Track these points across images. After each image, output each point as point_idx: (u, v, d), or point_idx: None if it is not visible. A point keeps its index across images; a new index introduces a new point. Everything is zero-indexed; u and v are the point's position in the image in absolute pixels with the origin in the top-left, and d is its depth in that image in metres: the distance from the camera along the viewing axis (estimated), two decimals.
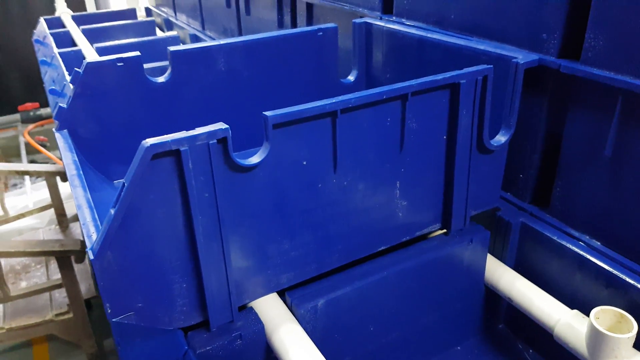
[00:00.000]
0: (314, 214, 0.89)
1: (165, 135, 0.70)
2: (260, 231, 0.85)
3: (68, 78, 2.05)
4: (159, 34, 3.06)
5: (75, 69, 1.11)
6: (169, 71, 1.21)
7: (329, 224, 0.92)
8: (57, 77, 2.26)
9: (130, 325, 0.83)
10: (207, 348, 0.82)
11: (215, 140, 0.73)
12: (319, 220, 0.90)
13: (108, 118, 1.17)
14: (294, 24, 1.93)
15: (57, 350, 3.34)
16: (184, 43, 2.69)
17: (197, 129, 0.73)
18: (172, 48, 1.20)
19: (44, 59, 2.45)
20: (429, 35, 1.21)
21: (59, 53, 2.39)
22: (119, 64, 1.13)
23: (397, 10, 1.43)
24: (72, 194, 0.86)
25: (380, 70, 1.42)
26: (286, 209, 0.86)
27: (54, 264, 3.12)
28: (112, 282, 0.72)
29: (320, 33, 1.36)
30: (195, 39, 2.67)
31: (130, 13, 3.36)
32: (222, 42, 1.25)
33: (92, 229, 0.76)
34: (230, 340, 0.84)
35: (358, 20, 1.41)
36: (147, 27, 3.04)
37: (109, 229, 0.69)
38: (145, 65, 1.28)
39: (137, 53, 1.16)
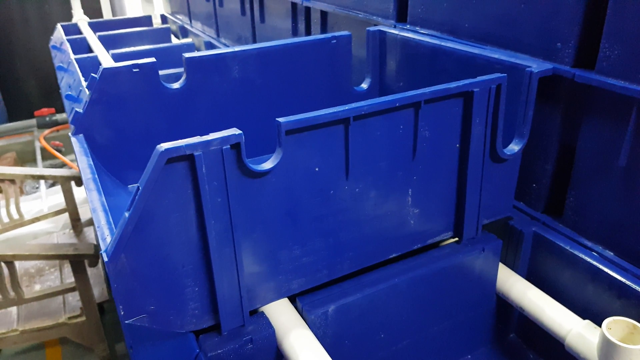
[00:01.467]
0: (326, 220, 0.90)
1: (180, 140, 0.71)
2: (272, 237, 0.86)
3: (84, 84, 2.09)
4: (174, 41, 3.10)
5: (92, 74, 1.14)
6: (183, 78, 1.23)
7: (341, 230, 0.92)
8: (73, 82, 2.30)
9: (143, 328, 0.83)
10: (218, 351, 0.83)
11: (228, 146, 0.74)
12: (330, 227, 0.91)
13: (123, 123, 1.19)
14: (308, 32, 1.95)
15: (69, 353, 3.37)
16: (199, 50, 2.73)
17: (210, 134, 0.74)
18: (186, 55, 1.22)
19: (61, 64, 2.50)
20: (442, 43, 1.22)
21: (76, 59, 2.44)
22: (134, 70, 1.15)
23: (411, 18, 1.44)
24: (87, 197, 0.88)
25: (393, 78, 1.42)
26: (298, 215, 0.87)
27: (67, 268, 3.17)
28: (125, 285, 0.73)
29: (334, 41, 1.37)
30: (210, 46, 2.71)
31: (146, 20, 3.42)
32: (237, 49, 1.27)
33: (107, 232, 0.78)
34: (241, 344, 0.84)
35: (372, 29, 1.42)
36: (163, 34, 3.09)
37: (123, 232, 0.70)
38: (160, 72, 1.30)
39: (153, 59, 1.18)
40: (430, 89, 0.90)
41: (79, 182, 3.29)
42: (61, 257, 2.57)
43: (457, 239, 1.07)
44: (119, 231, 0.70)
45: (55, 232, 3.57)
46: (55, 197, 4.14)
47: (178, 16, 3.37)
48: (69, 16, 5.58)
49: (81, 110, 1.13)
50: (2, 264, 2.49)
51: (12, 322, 2.71)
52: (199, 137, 0.73)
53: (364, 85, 1.46)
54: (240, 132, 0.75)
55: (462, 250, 1.04)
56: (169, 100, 1.22)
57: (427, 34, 1.36)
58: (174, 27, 3.20)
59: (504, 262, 1.12)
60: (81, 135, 1.13)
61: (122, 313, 0.75)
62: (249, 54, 1.28)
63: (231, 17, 2.59)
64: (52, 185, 4.32)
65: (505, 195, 1.08)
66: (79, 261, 2.63)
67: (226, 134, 0.74)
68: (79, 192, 3.48)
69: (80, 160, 1.02)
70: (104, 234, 0.76)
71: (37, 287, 3.05)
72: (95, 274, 3.08)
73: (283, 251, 0.88)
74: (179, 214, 0.75)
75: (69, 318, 2.76)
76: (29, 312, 2.81)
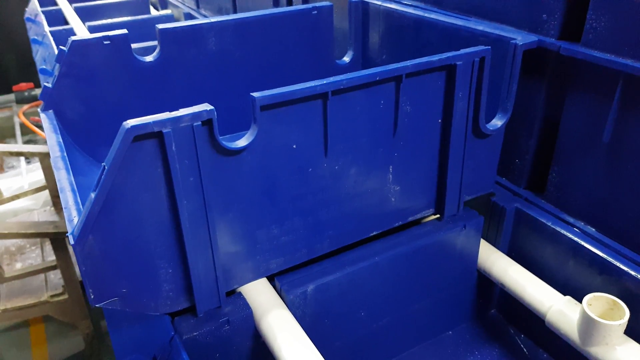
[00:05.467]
0: (304, 199, 0.87)
1: (147, 117, 0.68)
2: (249, 216, 0.83)
3: None
4: (153, 12, 2.99)
5: (61, 47, 1.08)
6: (157, 50, 1.18)
7: (320, 209, 0.90)
8: (48, 56, 2.21)
9: (117, 311, 0.81)
10: (194, 334, 0.81)
11: (199, 122, 0.70)
12: (309, 206, 0.88)
13: (95, 98, 1.14)
14: (289, 4, 1.88)
15: (53, 330, 3.36)
16: (178, 22, 2.64)
17: (180, 110, 0.70)
18: (160, 26, 1.17)
19: (36, 37, 2.40)
20: (426, 15, 1.18)
21: (50, 31, 2.34)
22: (105, 42, 1.10)
23: None
24: (56, 176, 0.84)
25: (376, 51, 1.38)
26: (275, 194, 0.84)
27: (48, 246, 3.12)
28: (94, 268, 0.71)
29: (315, 12, 1.32)
30: (189, 17, 2.62)
31: None
32: (213, 20, 1.22)
33: (75, 213, 0.74)
34: (217, 326, 0.83)
35: None
36: (141, 6, 2.98)
37: (89, 213, 0.67)
38: (135, 45, 1.24)
39: (125, 31, 1.12)
40: (411, 62, 0.87)
41: None
42: (42, 235, 2.53)
43: (438, 215, 1.05)
44: (85, 212, 0.67)
45: (36, 209, 3.50)
46: (35, 174, 4.05)
47: None
48: None
49: (50, 85, 1.08)
50: None
51: None
52: (167, 113, 0.69)
53: (346, 59, 1.42)
54: (212, 107, 0.71)
55: (444, 228, 1.03)
56: (142, 74, 1.17)
57: (411, 5, 1.31)
58: None
59: (486, 238, 1.11)
60: (51, 111, 1.08)
61: (92, 297, 0.72)
62: (226, 24, 1.23)
63: None
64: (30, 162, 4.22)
65: (487, 171, 1.06)
66: (59, 239, 2.58)
67: (197, 110, 0.70)
68: None
69: (49, 137, 0.98)
70: (71, 215, 0.73)
71: (18, 265, 3.00)
72: None
73: (261, 231, 0.86)
74: (149, 194, 0.72)
75: (51, 296, 2.73)
76: (11, 290, 2.77)
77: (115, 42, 1.11)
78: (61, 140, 0.96)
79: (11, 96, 5.02)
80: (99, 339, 3.00)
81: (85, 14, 2.69)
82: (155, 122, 0.67)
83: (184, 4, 2.82)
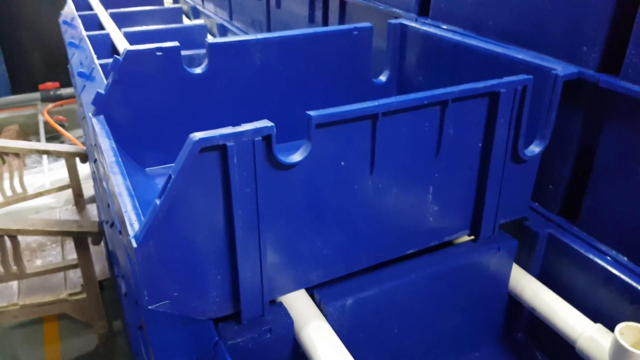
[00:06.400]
0: (347, 214, 0.90)
1: (213, 130, 0.71)
2: (295, 228, 0.86)
3: (97, 62, 2.07)
4: (186, 21, 3.07)
5: (115, 56, 1.13)
6: (205, 63, 1.23)
7: (361, 224, 0.93)
8: (85, 60, 2.28)
9: (164, 314, 0.84)
10: (238, 340, 0.84)
11: (260, 137, 0.74)
12: (351, 221, 0.91)
13: (143, 105, 1.19)
14: (325, 21, 1.93)
15: (67, 328, 3.40)
16: (211, 32, 2.71)
17: (243, 125, 0.74)
18: (210, 40, 1.21)
19: (72, 40, 2.47)
20: (465, 40, 1.21)
21: (88, 36, 2.41)
22: (158, 53, 1.15)
23: (434, 13, 1.43)
24: (112, 180, 0.88)
25: (413, 72, 1.42)
26: (321, 208, 0.87)
27: (69, 244, 3.17)
28: (151, 271, 0.74)
29: (356, 32, 1.37)
30: (222, 28, 2.69)
31: None
32: (259, 36, 1.26)
33: (134, 218, 0.78)
34: (260, 333, 0.86)
35: (393, 21, 1.41)
36: (174, 14, 3.06)
37: (153, 219, 0.70)
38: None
39: (176, 43, 1.17)
40: (457, 87, 0.90)
41: (84, 159, 3.28)
42: (65, 233, 2.57)
43: (472, 237, 1.08)
44: (149, 218, 0.71)
45: (58, 207, 3.57)
46: (57, 172, 4.12)
47: None
48: None
49: (103, 92, 1.12)
50: (6, 237, 2.50)
51: (12, 296, 2.72)
52: (231, 127, 0.73)
53: (383, 78, 1.46)
54: (272, 124, 0.75)
55: (479, 249, 1.05)
56: (189, 85, 1.22)
57: (450, 30, 1.35)
58: (185, 7, 3.17)
59: (517, 261, 1.13)
60: (102, 116, 1.13)
61: (147, 298, 0.76)
62: (271, 41, 1.28)
63: (246, 0, 2.56)
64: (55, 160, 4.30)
65: (522, 195, 1.09)
66: (82, 238, 2.63)
67: (258, 126, 0.74)
68: (82, 169, 3.48)
69: (102, 142, 1.02)
70: (131, 220, 0.76)
71: (39, 262, 3.05)
72: (96, 252, 3.09)
73: (304, 242, 0.89)
74: (207, 203, 0.75)
75: (70, 294, 2.77)
76: (30, 286, 2.81)
77: (166, 53, 1.16)
78: (114, 146, 1.01)
79: (37, 94, 5.13)
80: (112, 339, 3.03)
81: (120, 20, 2.77)
82: (220, 136, 0.71)
83: (216, 15, 2.89)
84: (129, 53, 1.12)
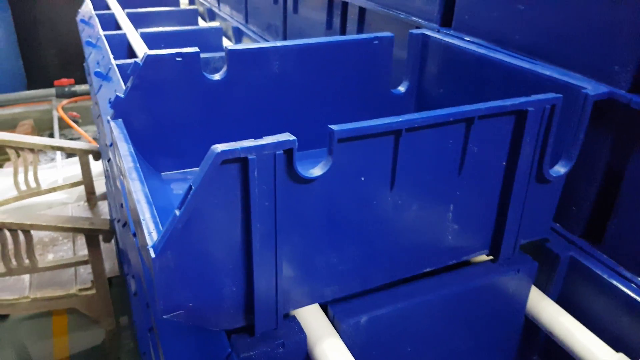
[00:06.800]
0: (365, 230, 0.89)
1: (234, 143, 0.70)
2: (311, 242, 0.85)
3: (113, 62, 2.08)
4: (201, 23, 3.07)
5: (136, 60, 1.12)
6: (224, 69, 1.22)
7: (379, 241, 0.91)
8: (102, 59, 2.29)
9: (177, 324, 0.83)
10: (251, 353, 0.82)
11: (282, 151, 0.73)
12: (368, 237, 0.89)
13: (160, 110, 1.18)
14: (343, 28, 1.92)
15: (75, 322, 3.41)
16: (226, 35, 2.71)
17: (265, 138, 0.72)
18: (230, 46, 1.20)
19: (89, 40, 2.49)
20: (490, 54, 1.19)
21: (105, 35, 2.42)
22: (177, 59, 1.14)
23: (457, 24, 1.41)
24: (130, 187, 0.87)
25: (433, 84, 1.40)
26: (338, 223, 0.85)
27: (80, 240, 3.18)
28: (168, 281, 0.73)
29: (377, 42, 1.35)
30: (237, 32, 2.68)
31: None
32: (278, 44, 1.25)
33: (152, 227, 0.77)
34: (273, 347, 0.84)
35: (415, 31, 1.39)
36: (190, 16, 3.07)
37: (172, 229, 0.69)
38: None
39: (196, 49, 1.16)
40: (484, 105, 0.88)
41: (97, 156, 3.30)
42: (77, 230, 2.59)
43: (492, 257, 1.05)
44: (168, 228, 0.69)
45: (70, 203, 3.59)
46: (70, 168, 4.15)
47: None
48: None
49: (122, 95, 1.12)
50: (19, 232, 2.51)
51: (24, 289, 2.74)
52: (253, 140, 0.71)
53: (402, 89, 1.44)
54: (294, 138, 0.73)
55: (498, 270, 1.02)
56: (207, 90, 1.21)
57: (473, 42, 1.33)
58: (201, 9, 3.17)
59: (536, 283, 1.11)
60: (120, 120, 1.12)
61: (162, 308, 0.74)
62: (290, 49, 1.26)
63: (262, 3, 2.55)
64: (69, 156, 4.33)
65: (545, 216, 1.06)
66: (93, 235, 2.64)
67: (281, 139, 0.72)
68: (95, 166, 3.49)
69: (121, 147, 1.01)
70: (149, 229, 0.75)
71: (50, 256, 3.07)
72: (106, 249, 3.10)
73: (320, 257, 0.87)
74: (225, 215, 0.74)
75: (80, 290, 2.78)
76: (41, 280, 2.83)
77: (186, 58, 1.15)
78: (133, 151, 1.00)
79: (52, 90, 5.18)
80: (117, 335, 3.03)
81: (136, 20, 2.78)
82: (242, 149, 0.69)
83: (232, 17, 2.89)
84: (149, 58, 1.11)
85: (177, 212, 0.69)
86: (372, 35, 1.35)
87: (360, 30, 1.81)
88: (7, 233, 2.37)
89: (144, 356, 1.75)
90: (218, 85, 1.22)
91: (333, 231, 0.86)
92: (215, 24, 2.95)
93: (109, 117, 1.13)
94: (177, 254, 0.72)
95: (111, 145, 1.42)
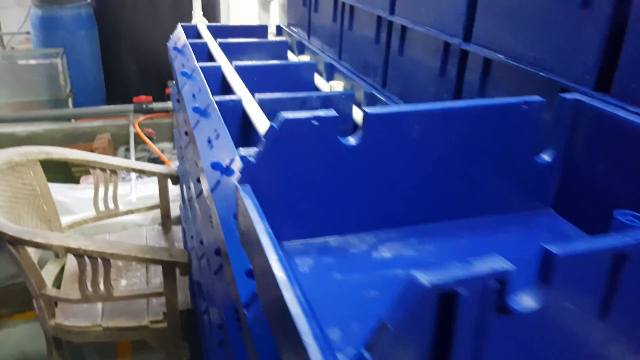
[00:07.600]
0: None
1: (443, 271, 0.56)
2: None
3: (212, 98, 2.03)
4: (291, 56, 3.02)
5: (271, 123, 1.02)
6: (360, 134, 1.10)
7: None
8: (198, 92, 2.25)
9: None
10: None
11: (497, 283, 0.58)
12: None
13: (289, 175, 1.07)
14: (460, 77, 1.77)
15: (140, 344, 3.37)
16: (317, 71, 2.62)
17: (475, 264, 0.58)
18: (368, 110, 1.09)
19: (185, 70, 2.47)
20: None
21: (201, 67, 2.40)
22: (314, 123, 1.03)
23: (617, 89, 1.23)
24: (273, 269, 0.76)
25: (585, 156, 1.22)
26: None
27: (153, 267, 3.16)
28: None
29: (526, 106, 1.19)
30: (330, 68, 2.59)
31: (262, 30, 3.39)
32: (419, 107, 1.12)
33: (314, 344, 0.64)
34: None
35: (568, 96, 1.22)
36: (280, 48, 3.03)
37: None
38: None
39: (333, 113, 1.05)
40: None
41: (175, 181, 3.30)
42: (156, 261, 2.55)
43: None
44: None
45: (145, 225, 3.60)
46: (144, 187, 4.20)
47: (294, 29, 3.29)
48: (177, 9, 5.72)
49: (254, 160, 1.02)
50: (99, 259, 2.49)
51: (96, 317, 2.72)
52: (463, 267, 0.57)
53: (547, 157, 1.26)
54: (511, 266, 0.58)
55: None
56: (341, 156, 1.09)
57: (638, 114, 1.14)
58: (290, 40, 3.12)
59: None
60: (248, 186, 1.02)
61: None
62: (432, 113, 1.13)
63: (360, 41, 2.45)
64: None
65: None
66: (170, 267, 2.59)
67: (495, 267, 0.58)
68: (171, 189, 3.49)
69: (256, 223, 0.90)
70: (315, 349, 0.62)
71: (124, 282, 3.06)
72: (180, 279, 3.05)
73: None
74: (414, 348, 0.60)
75: (152, 322, 2.73)
76: (113, 308, 2.81)
77: (323, 123, 1.04)
78: (268, 225, 0.89)
79: (130, 106, 5.33)
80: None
81: (227, 50, 2.76)
82: (456, 282, 0.55)
83: (323, 52, 2.81)
84: (286, 122, 1.01)
85: (365, 354, 0.56)
86: (520, 99, 1.20)
87: (483, 82, 1.66)
88: (87, 260, 2.37)
89: None
90: (352, 150, 1.10)
91: None
92: (305, 57, 2.88)
93: (236, 182, 1.03)
94: None
95: (238, 214, 1.33)
